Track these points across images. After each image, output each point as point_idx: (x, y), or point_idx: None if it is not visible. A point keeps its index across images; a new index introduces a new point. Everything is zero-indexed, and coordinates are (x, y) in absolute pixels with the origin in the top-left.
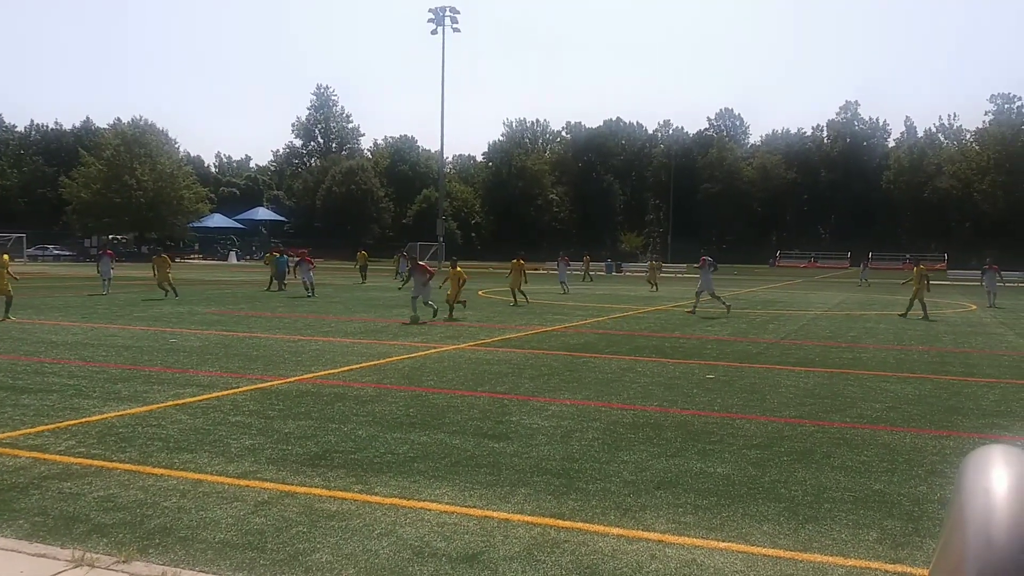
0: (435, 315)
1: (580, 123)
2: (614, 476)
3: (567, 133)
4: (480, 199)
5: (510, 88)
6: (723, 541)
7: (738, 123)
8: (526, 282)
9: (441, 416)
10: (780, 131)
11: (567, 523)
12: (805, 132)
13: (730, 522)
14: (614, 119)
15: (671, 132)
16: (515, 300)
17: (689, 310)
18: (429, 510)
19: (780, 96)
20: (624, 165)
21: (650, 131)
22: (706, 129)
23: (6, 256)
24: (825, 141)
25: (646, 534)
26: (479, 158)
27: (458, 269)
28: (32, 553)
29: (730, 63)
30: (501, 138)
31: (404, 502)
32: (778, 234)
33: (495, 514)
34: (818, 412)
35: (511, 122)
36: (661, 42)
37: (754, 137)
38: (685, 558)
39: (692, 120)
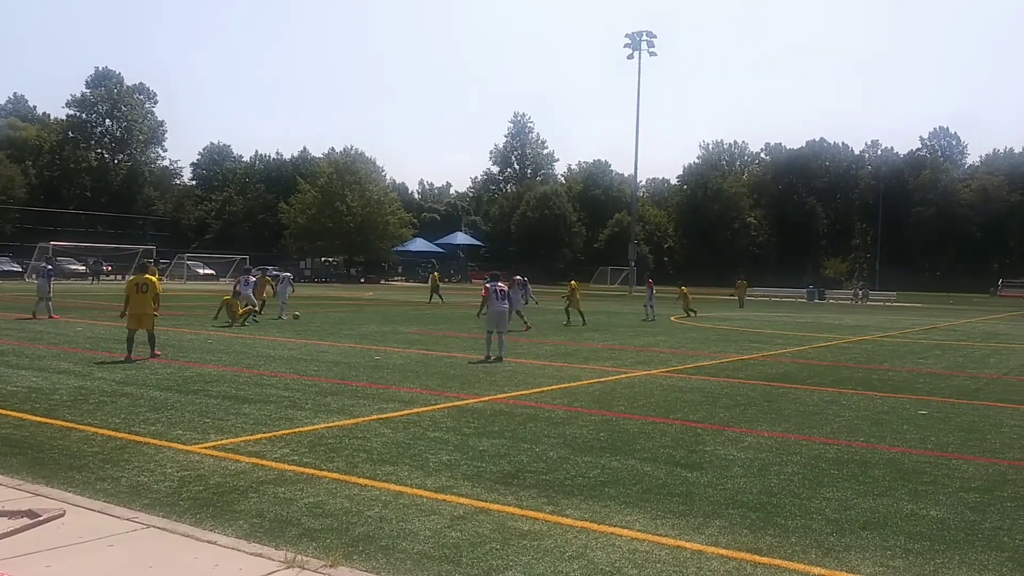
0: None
1: (780, 144)
2: (816, 513)
3: (766, 155)
4: (674, 223)
5: (707, 110)
6: None
7: (954, 142)
8: (579, 303)
9: (632, 442)
10: (1003, 150)
11: (765, 559)
12: None
13: (944, 569)
14: (817, 139)
15: (879, 152)
16: (568, 320)
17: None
18: (620, 536)
19: (1002, 114)
20: (828, 187)
21: (856, 152)
22: (918, 149)
23: (152, 278)
24: None
25: None
26: (673, 181)
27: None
28: (250, 552)
29: (945, 78)
30: (697, 160)
31: (595, 526)
32: (999, 261)
33: (688, 544)
34: None
35: (707, 144)
36: (868, 58)
37: (972, 157)
38: None
39: (903, 140)
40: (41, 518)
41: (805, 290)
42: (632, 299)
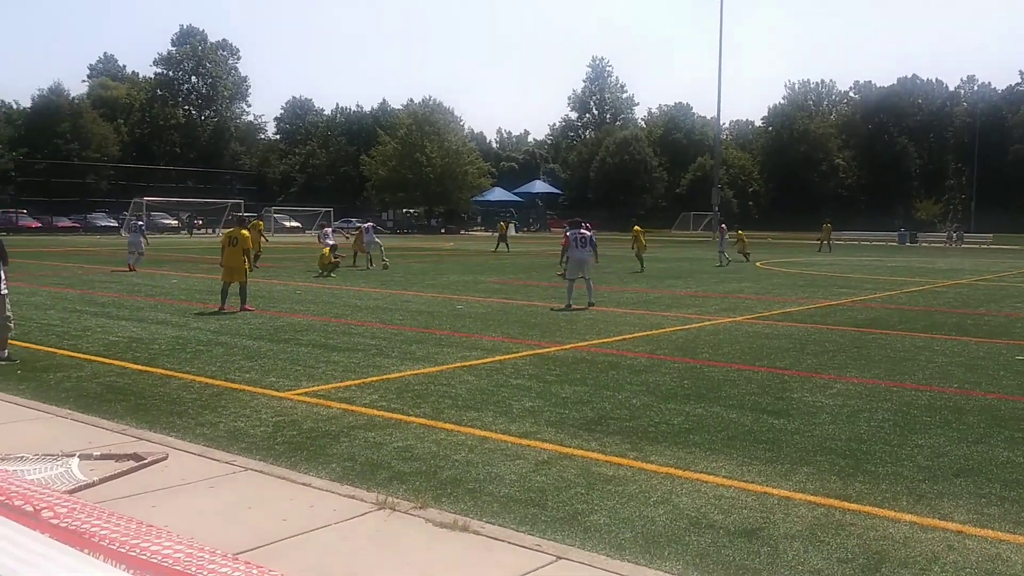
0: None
1: (870, 82)
2: (907, 460)
3: (855, 93)
4: (758, 166)
5: (792, 47)
6: None
7: None
8: (644, 249)
9: (717, 389)
10: None
11: (854, 506)
12: None
13: None
14: (909, 76)
15: (976, 88)
16: (642, 267)
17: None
18: (706, 482)
19: None
20: (920, 126)
21: (951, 88)
22: (1018, 84)
23: (244, 232)
24: None
25: (943, 523)
26: (758, 123)
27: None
28: (343, 494)
29: None
30: (782, 101)
31: (680, 472)
32: None
33: (775, 491)
34: None
35: (793, 83)
36: None
37: None
38: (988, 552)
39: (1001, 74)
40: (146, 461)
41: (896, 233)
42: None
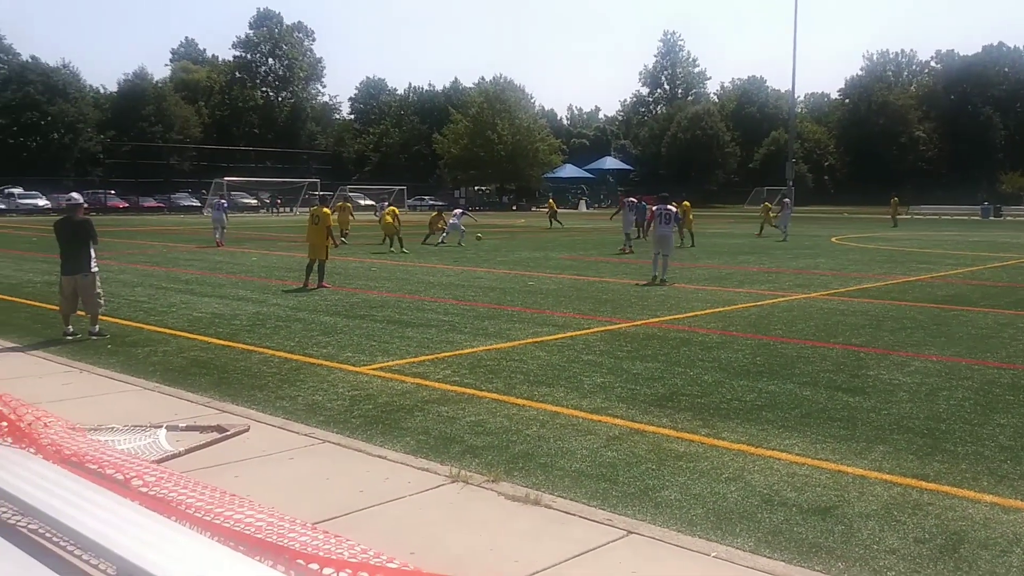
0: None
1: (952, 51)
2: (988, 440)
3: (937, 63)
4: (835, 139)
5: (871, 15)
6: None
7: None
8: (691, 224)
9: (791, 366)
10: None
11: (932, 485)
12: None
13: None
14: (994, 44)
15: None
16: (681, 243)
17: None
18: (778, 459)
19: None
20: (1007, 96)
21: None
22: None
23: (326, 211)
24: None
25: None
26: (834, 95)
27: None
28: (417, 467)
29: None
30: (860, 72)
31: (752, 449)
32: None
33: (850, 469)
34: None
35: (871, 54)
36: None
37: None
38: None
39: None
40: (228, 432)
41: (979, 207)
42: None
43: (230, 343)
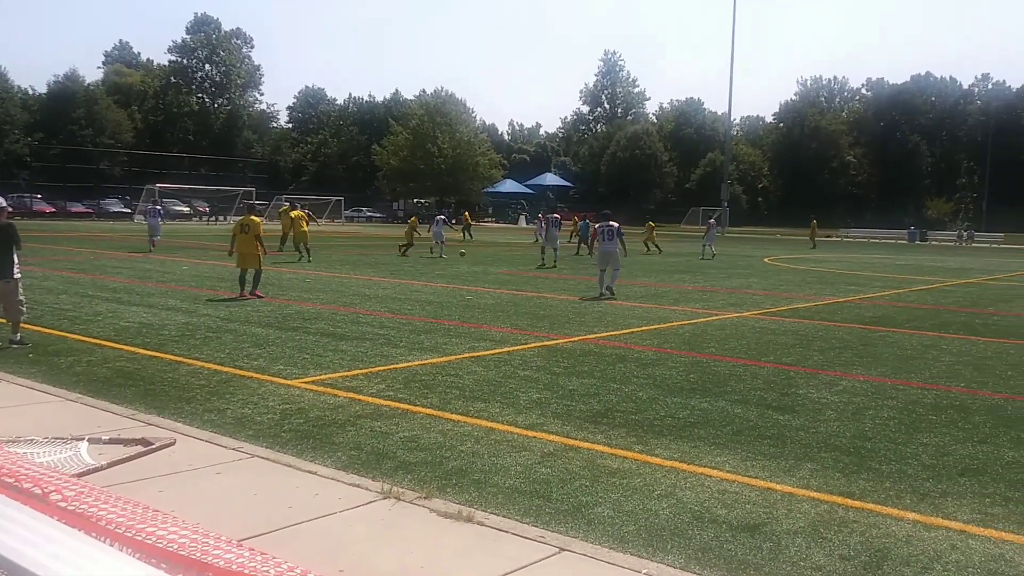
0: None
1: (883, 79)
2: (911, 459)
3: (868, 90)
4: (769, 162)
5: (805, 43)
6: None
7: None
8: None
9: (723, 384)
10: None
11: (857, 503)
12: None
13: None
14: (922, 74)
15: (990, 87)
16: (648, 249)
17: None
18: (710, 476)
19: None
20: (933, 124)
21: (965, 86)
22: None
23: (255, 219)
24: None
25: (946, 522)
26: (769, 119)
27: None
28: (348, 483)
29: None
30: (794, 97)
31: (684, 466)
32: None
33: (779, 487)
34: None
35: (805, 80)
36: None
37: None
38: (991, 552)
39: (1016, 73)
40: (154, 446)
41: (906, 231)
42: (724, 241)
43: (158, 354)
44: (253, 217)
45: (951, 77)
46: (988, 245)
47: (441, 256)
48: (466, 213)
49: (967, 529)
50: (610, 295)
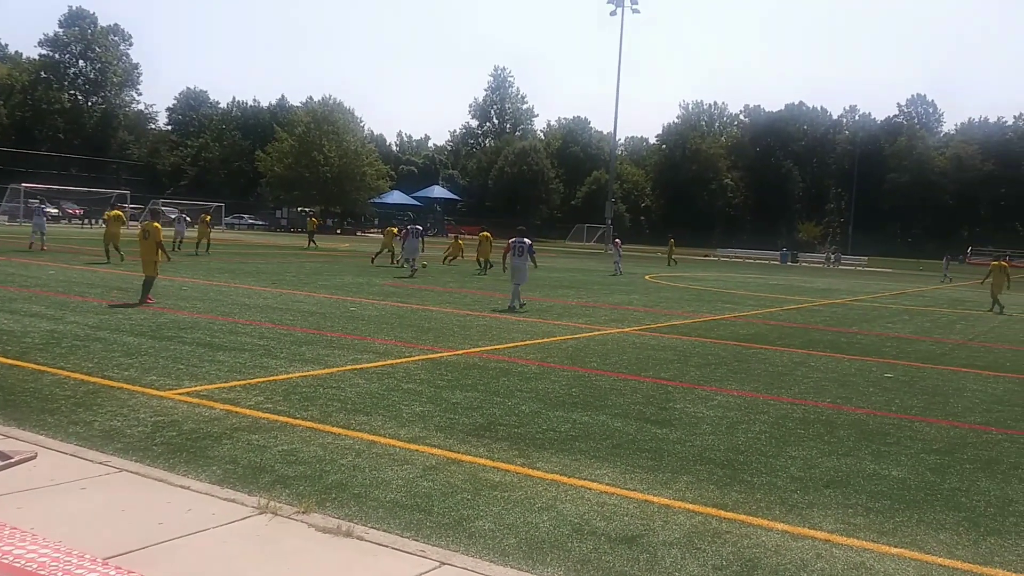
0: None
1: (759, 106)
2: (781, 471)
3: (745, 116)
4: (651, 182)
5: (688, 69)
6: (895, 547)
7: (931, 110)
8: (491, 252)
9: (604, 398)
10: (978, 119)
11: (730, 514)
12: (1006, 121)
13: (904, 527)
14: (796, 103)
15: (857, 118)
16: (483, 270)
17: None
18: (589, 489)
19: (979, 82)
20: (805, 151)
21: (835, 116)
22: (895, 116)
23: (156, 225)
24: None
25: (812, 532)
26: (652, 140)
27: (485, 234)
28: (223, 498)
29: (924, 45)
30: (676, 120)
31: (565, 479)
32: (970, 229)
33: (655, 499)
34: (1007, 420)
35: (687, 104)
36: (848, 23)
37: (948, 125)
38: (853, 560)
39: (881, 106)
40: (12, 460)
41: (778, 253)
42: (608, 257)
43: (19, 362)
44: (155, 223)
45: (822, 107)
46: (853, 267)
47: (423, 266)
48: (312, 219)
49: (831, 538)
50: (520, 307)
